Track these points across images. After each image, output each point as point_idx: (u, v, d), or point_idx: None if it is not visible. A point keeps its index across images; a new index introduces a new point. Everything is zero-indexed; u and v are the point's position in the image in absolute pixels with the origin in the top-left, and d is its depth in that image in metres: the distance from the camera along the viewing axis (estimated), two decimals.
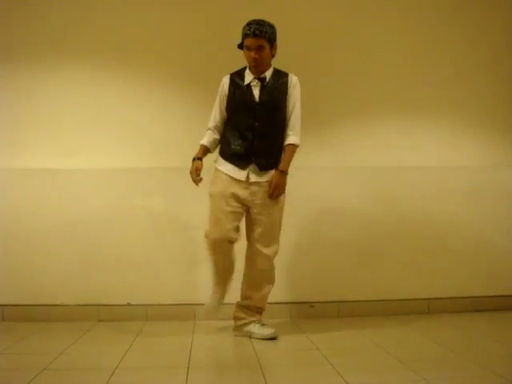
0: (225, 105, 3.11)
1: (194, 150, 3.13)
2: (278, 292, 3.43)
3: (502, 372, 2.37)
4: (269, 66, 3.08)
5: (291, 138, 3.06)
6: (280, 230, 3.15)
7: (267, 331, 3.05)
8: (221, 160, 3.11)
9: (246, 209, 3.10)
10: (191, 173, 3.07)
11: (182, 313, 3.49)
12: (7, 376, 2.43)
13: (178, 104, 3.71)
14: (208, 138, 3.15)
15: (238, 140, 3.06)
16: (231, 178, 3.05)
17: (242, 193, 3.04)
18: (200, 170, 3.06)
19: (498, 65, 3.95)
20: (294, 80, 3.09)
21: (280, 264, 3.40)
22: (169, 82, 3.72)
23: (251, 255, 3.11)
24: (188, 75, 3.65)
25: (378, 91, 3.84)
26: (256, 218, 3.08)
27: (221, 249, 3.05)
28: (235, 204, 3.04)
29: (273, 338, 3.02)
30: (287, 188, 3.10)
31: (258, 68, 3.03)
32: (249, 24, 2.98)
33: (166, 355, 2.78)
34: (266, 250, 3.08)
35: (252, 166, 3.05)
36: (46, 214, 3.59)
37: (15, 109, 3.67)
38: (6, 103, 3.67)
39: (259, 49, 2.97)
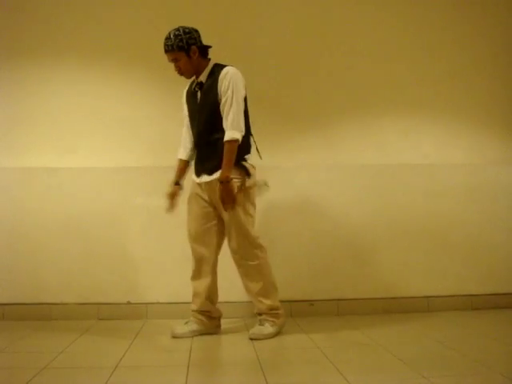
0: (186, 115, 3.18)
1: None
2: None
3: (501, 370, 2.38)
4: (200, 68, 3.04)
5: (226, 134, 2.90)
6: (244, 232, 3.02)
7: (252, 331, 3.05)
8: None
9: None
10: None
11: (182, 311, 3.48)
12: (7, 374, 2.44)
13: (178, 104, 3.71)
14: (179, 150, 3.24)
15: (195, 149, 3.13)
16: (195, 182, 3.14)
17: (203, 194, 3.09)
18: (174, 196, 3.19)
19: (496, 63, 3.96)
20: (223, 73, 2.95)
21: (280, 262, 3.41)
22: (168, 83, 3.70)
23: None
24: None
25: (377, 90, 3.85)
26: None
27: None
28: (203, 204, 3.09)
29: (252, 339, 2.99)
30: (279, 184, 3.10)
31: (186, 76, 3.06)
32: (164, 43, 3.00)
33: (166, 354, 2.78)
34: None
35: (203, 173, 3.06)
36: (46, 212, 3.59)
37: (16, 108, 3.67)
38: (7, 102, 3.67)
39: (175, 61, 3.01)
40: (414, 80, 3.89)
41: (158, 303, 3.58)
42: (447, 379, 2.32)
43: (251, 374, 2.46)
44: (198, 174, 3.10)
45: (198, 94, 3.06)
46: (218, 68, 3.01)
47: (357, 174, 3.77)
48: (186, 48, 2.96)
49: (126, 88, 3.73)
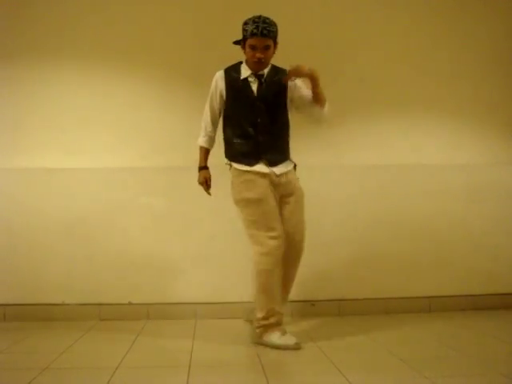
0: (222, 100, 3.05)
1: (196, 150, 3.13)
2: None
3: (503, 370, 2.38)
4: (268, 64, 3.03)
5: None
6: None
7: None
8: (233, 163, 3.02)
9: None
10: (201, 184, 3.08)
11: (183, 312, 3.49)
12: (9, 375, 2.44)
13: (180, 103, 3.71)
14: (204, 137, 3.13)
15: (240, 138, 3.00)
16: (257, 173, 2.96)
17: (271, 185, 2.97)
18: (210, 180, 3.07)
19: (498, 63, 3.95)
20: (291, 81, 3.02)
21: None
22: (170, 82, 3.72)
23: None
24: (190, 75, 3.66)
25: (378, 90, 3.84)
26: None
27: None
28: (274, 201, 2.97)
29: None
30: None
31: (260, 67, 2.98)
32: (255, 22, 2.87)
33: (168, 354, 2.78)
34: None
35: (262, 162, 2.97)
36: (47, 213, 3.59)
37: (17, 109, 3.68)
38: (7, 104, 3.67)
39: (265, 48, 2.92)
40: (417, 80, 3.88)
41: (160, 304, 3.58)
42: (449, 380, 2.32)
43: (253, 375, 2.46)
44: (253, 163, 2.97)
45: (254, 84, 2.99)
46: (278, 68, 3.05)
47: (358, 175, 3.77)
48: (276, 41, 2.97)
49: (128, 88, 3.73)
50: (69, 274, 3.57)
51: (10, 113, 3.67)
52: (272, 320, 2.88)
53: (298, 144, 3.74)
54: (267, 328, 2.88)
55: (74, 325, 3.37)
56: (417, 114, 3.88)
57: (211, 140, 3.15)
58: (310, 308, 3.63)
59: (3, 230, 3.58)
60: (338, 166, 3.77)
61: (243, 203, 2.95)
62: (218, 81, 3.06)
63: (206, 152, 3.14)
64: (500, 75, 3.95)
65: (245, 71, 3.02)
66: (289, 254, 2.99)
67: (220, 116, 3.13)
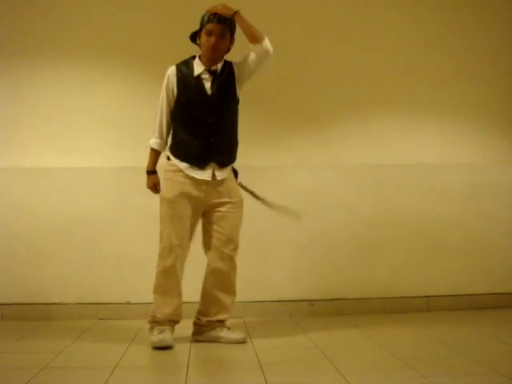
0: (174, 97, 2.92)
1: None
2: (277, 290, 3.43)
3: (501, 369, 2.37)
4: (222, 58, 2.93)
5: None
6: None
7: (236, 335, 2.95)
8: (174, 159, 2.94)
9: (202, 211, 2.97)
10: (150, 189, 2.99)
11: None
12: (7, 375, 2.43)
13: None
14: (157, 138, 2.98)
15: (190, 137, 2.89)
16: (189, 177, 2.89)
17: (199, 194, 2.90)
18: (159, 185, 2.96)
19: (498, 63, 3.96)
20: (232, 62, 2.94)
21: (279, 262, 3.40)
22: None
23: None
24: None
25: (377, 89, 3.85)
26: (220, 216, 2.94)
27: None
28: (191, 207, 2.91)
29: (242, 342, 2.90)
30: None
31: (214, 55, 2.86)
32: (214, 12, 2.85)
33: (166, 354, 2.77)
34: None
35: (212, 164, 2.90)
36: (45, 212, 3.59)
37: (14, 108, 3.67)
38: (5, 102, 3.67)
39: (221, 36, 2.84)
40: (416, 78, 3.89)
41: None
42: (447, 379, 2.32)
43: (251, 374, 2.45)
44: (203, 165, 2.88)
45: (208, 82, 2.88)
46: (227, 63, 2.95)
47: (357, 174, 3.77)
48: (232, 36, 2.92)
49: (124, 88, 3.73)
50: (67, 273, 3.56)
51: (6, 112, 3.66)
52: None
53: (296, 143, 3.77)
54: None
55: (72, 324, 3.37)
56: (416, 113, 3.88)
57: (164, 143, 3.00)
58: (309, 307, 3.63)
59: (1, 229, 3.57)
60: (337, 165, 3.77)
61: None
62: (170, 77, 2.95)
63: (156, 155, 3.00)
64: (500, 75, 3.95)
65: (198, 67, 2.91)
66: (217, 267, 2.96)
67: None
